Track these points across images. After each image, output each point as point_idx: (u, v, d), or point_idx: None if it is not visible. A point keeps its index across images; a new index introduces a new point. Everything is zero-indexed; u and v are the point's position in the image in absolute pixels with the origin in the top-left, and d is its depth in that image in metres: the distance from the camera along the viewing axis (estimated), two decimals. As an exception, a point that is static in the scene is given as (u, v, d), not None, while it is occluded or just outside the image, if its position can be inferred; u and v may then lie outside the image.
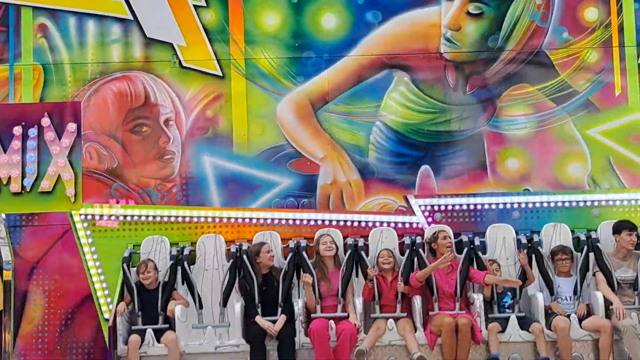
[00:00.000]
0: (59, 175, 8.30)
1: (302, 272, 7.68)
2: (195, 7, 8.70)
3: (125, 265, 7.89)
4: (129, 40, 8.71)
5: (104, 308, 8.26)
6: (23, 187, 8.23)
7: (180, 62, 8.64)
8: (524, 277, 7.52)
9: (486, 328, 7.44)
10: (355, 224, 8.19)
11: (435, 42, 8.72)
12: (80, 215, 8.15)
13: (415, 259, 7.63)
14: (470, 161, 8.67)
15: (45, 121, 8.19)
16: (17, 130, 8.16)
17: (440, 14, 8.83)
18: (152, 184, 8.59)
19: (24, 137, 8.14)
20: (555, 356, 7.53)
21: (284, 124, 8.69)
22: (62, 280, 8.47)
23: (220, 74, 8.61)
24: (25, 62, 8.65)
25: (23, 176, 8.20)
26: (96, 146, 8.52)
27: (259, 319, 7.40)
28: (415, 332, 7.37)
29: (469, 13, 8.83)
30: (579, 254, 7.88)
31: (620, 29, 8.71)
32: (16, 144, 8.13)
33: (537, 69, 8.71)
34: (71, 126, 8.30)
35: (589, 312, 7.63)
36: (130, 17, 8.74)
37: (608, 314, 7.51)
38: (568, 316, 7.49)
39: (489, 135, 8.67)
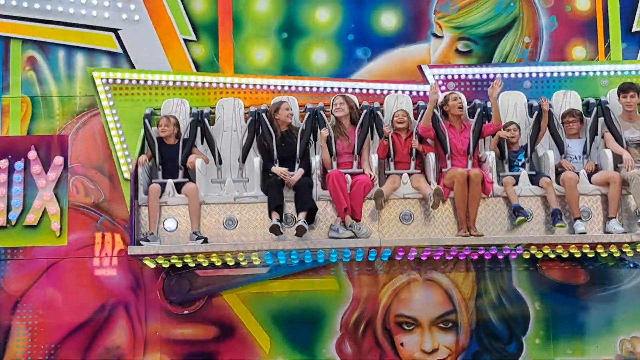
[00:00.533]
0: (45, 209, 8.39)
1: (319, 131, 8.09)
2: (186, 41, 8.80)
3: (146, 120, 8.22)
4: (119, 73, 8.93)
5: (124, 168, 8.41)
6: (8, 221, 8.28)
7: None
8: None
9: (498, 184, 7.96)
10: (371, 91, 8.57)
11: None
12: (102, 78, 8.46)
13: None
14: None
15: (32, 154, 8.32)
16: (4, 163, 8.28)
17: (429, 51, 8.99)
18: (140, 218, 8.59)
19: (10, 170, 8.25)
20: (565, 210, 7.90)
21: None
22: (46, 315, 8.42)
23: (210, 109, 8.73)
24: (13, 95, 8.68)
25: (8, 209, 8.28)
26: (83, 179, 8.50)
27: (275, 168, 7.69)
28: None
29: (457, 50, 8.99)
30: (588, 118, 8.35)
31: (609, 67, 8.98)
32: (2, 176, 8.23)
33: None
34: (58, 159, 8.43)
35: (597, 170, 8.06)
36: (120, 50, 8.82)
37: (616, 170, 7.91)
38: (577, 173, 7.92)
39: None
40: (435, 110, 8.03)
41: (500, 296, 8.82)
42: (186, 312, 8.42)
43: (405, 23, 9.06)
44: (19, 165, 8.22)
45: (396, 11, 9.03)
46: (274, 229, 7.36)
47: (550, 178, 7.83)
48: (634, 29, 8.94)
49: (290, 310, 8.71)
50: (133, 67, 8.74)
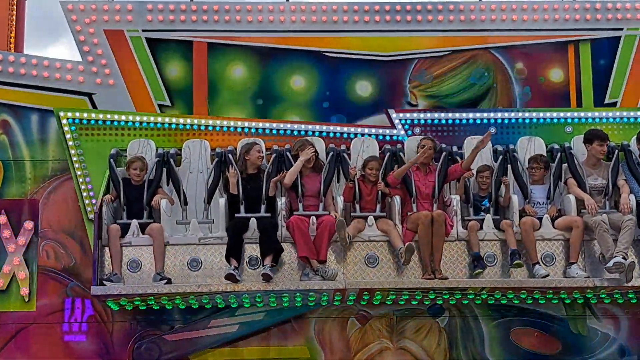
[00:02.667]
0: (14, 274, 8.34)
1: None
2: (160, 106, 8.87)
3: (112, 160, 8.27)
4: (92, 137, 9.03)
5: (88, 209, 8.38)
6: (-23, 286, 8.16)
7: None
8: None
9: (463, 228, 8.05)
10: (338, 135, 8.72)
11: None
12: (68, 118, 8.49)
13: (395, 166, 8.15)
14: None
15: (2, 219, 8.29)
16: (-27, 227, 8.18)
17: None
18: (110, 284, 8.56)
19: (-21, 234, 8.14)
20: (525, 256, 7.96)
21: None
22: (13, 383, 8.39)
23: (187, 171, 8.80)
24: (-15, 159, 8.67)
25: (-23, 274, 8.20)
26: (53, 244, 8.47)
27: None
28: (394, 230, 7.95)
29: None
30: (553, 164, 8.46)
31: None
32: (-29, 241, 8.14)
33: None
34: (28, 224, 8.40)
35: (561, 215, 8.16)
36: None
37: (579, 215, 8.00)
38: (540, 219, 8.02)
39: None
40: (401, 154, 8.26)
41: None
42: (156, 378, 8.38)
43: (381, 91, 9.15)
44: (-12, 229, 8.19)
45: (371, 79, 9.12)
46: (230, 277, 7.37)
47: (511, 220, 7.93)
48: (607, 100, 9.11)
49: None
50: (108, 132, 8.94)
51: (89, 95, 8.81)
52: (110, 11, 8.86)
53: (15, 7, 10.32)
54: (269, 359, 8.58)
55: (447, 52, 9.17)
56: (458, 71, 9.21)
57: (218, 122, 8.62)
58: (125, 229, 7.81)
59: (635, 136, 8.45)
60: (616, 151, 8.38)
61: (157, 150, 8.32)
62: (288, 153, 8.21)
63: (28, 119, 8.76)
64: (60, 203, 8.57)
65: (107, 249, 7.82)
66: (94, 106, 8.87)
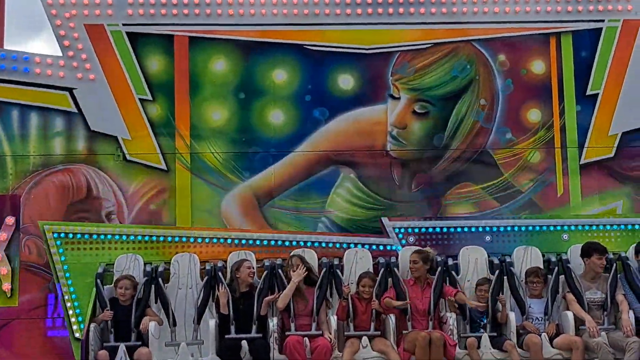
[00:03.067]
0: None
1: (277, 291, 7.96)
2: (141, 100, 8.84)
3: (99, 280, 8.04)
4: (73, 133, 8.79)
5: (74, 327, 8.27)
6: (-40, 283, 8.18)
7: (124, 155, 8.74)
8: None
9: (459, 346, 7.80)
10: (330, 245, 8.61)
11: (382, 140, 8.95)
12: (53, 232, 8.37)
13: (390, 280, 7.95)
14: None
15: None
16: (-46, 223, 8.18)
17: (387, 112, 9.08)
18: (91, 278, 8.60)
19: (-39, 230, 8.14)
20: None
21: (228, 219, 8.83)
22: (-4, 381, 8.32)
23: (165, 168, 8.75)
24: (-35, 154, 8.68)
25: (-41, 270, 8.22)
26: (35, 239, 8.48)
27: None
28: (389, 350, 7.73)
29: (414, 112, 9.10)
30: (550, 276, 8.24)
31: (562, 130, 9.03)
32: (-47, 237, 8.14)
33: (481, 168, 9.00)
34: (9, 219, 8.41)
35: (559, 332, 7.92)
36: (75, 109, 8.84)
37: (578, 333, 7.81)
38: (539, 335, 7.81)
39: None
40: (395, 269, 8.08)
41: None
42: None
43: (363, 84, 9.20)
44: (-30, 225, 8.21)
45: (353, 73, 9.18)
46: None
47: (512, 341, 7.71)
48: (588, 92, 9.16)
49: None
50: (88, 126, 8.82)
51: (70, 90, 8.81)
52: (91, 5, 8.88)
53: (-6, 2, 10.31)
54: None
55: (429, 45, 9.23)
56: (440, 64, 9.25)
57: (205, 233, 8.59)
58: (113, 352, 7.61)
59: (634, 248, 8.35)
60: (614, 264, 8.22)
61: (145, 266, 8.25)
62: (280, 270, 8.11)
63: (8, 114, 8.77)
64: (42, 198, 8.60)
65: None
66: (75, 101, 8.87)
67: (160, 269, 8.13)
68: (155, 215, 8.72)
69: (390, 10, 9.11)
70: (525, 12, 9.22)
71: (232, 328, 7.64)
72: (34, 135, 8.75)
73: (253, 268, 8.05)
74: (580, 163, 9.02)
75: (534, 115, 9.21)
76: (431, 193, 9.01)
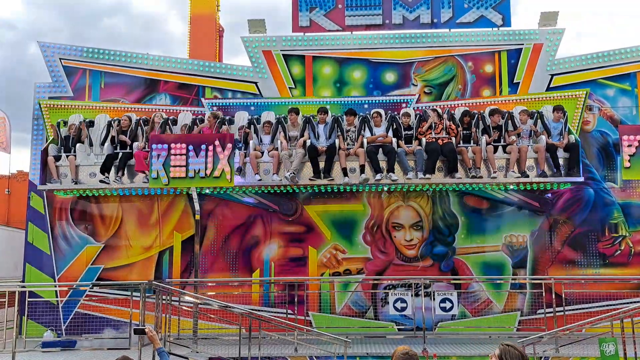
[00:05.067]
0: None
1: None
2: (290, 88, 16.61)
3: None
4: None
5: None
6: None
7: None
8: None
9: None
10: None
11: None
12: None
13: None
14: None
15: None
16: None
17: (410, 92, 15.81)
18: None
19: None
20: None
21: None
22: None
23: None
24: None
25: None
26: None
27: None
28: None
29: (424, 92, 15.74)
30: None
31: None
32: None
33: (459, 120, 16.36)
34: None
35: None
36: (257, 92, 15.74)
37: None
38: None
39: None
40: None
41: (444, 213, 15.23)
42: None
43: (399, 78, 15.76)
44: None
45: (394, 72, 15.77)
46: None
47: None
48: (515, 80, 15.58)
49: (341, 218, 15.25)
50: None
51: (255, 83, 15.76)
52: (268, 40, 15.73)
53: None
54: (343, 209, 15.70)
55: (432, 58, 15.86)
56: (438, 67, 15.70)
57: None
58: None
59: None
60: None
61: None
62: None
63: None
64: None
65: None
66: (258, 88, 15.68)
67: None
68: None
69: (413, 41, 15.77)
70: (482, 40, 15.60)
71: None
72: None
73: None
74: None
75: (486, 92, 15.63)
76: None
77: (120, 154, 14.07)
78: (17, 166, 30.16)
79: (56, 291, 14.98)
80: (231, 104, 15.71)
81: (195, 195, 14.85)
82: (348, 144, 14.11)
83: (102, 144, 14.29)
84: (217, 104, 15.72)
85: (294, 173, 13.62)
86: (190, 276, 15.29)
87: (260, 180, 13.98)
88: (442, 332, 14.52)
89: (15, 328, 12.89)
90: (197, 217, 15.22)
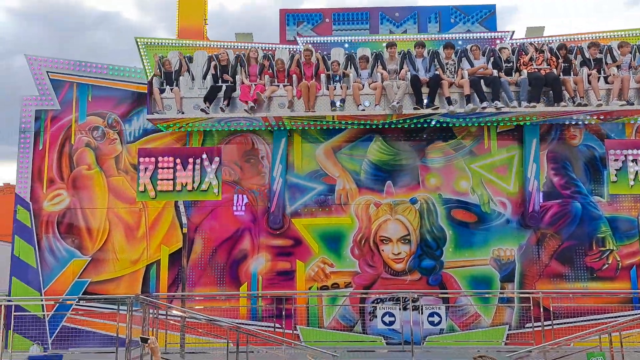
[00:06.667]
0: None
1: None
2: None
3: None
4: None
5: None
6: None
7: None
8: None
9: None
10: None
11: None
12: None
13: None
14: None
15: None
16: None
17: None
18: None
19: None
20: None
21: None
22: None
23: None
24: None
25: None
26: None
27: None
28: None
29: None
30: None
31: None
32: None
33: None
34: None
35: None
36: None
37: None
38: None
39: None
40: None
41: (432, 227, 14.95)
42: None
43: None
44: None
45: None
46: None
47: None
48: None
49: (329, 232, 15.00)
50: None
51: None
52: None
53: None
54: (330, 223, 15.53)
55: None
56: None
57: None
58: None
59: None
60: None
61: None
62: None
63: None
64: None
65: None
66: None
67: None
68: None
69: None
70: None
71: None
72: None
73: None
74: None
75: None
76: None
77: (223, 87, 14.55)
78: (2, 179, 30.05)
79: (42, 305, 15.03)
80: (326, 41, 16.01)
81: (182, 209, 15.20)
82: (448, 77, 14.57)
83: (204, 77, 14.77)
84: (312, 41, 15.96)
85: (399, 102, 14.12)
86: (177, 290, 15.39)
87: (363, 110, 14.32)
88: (430, 346, 14.48)
89: (1, 342, 12.94)
90: (185, 230, 15.35)
